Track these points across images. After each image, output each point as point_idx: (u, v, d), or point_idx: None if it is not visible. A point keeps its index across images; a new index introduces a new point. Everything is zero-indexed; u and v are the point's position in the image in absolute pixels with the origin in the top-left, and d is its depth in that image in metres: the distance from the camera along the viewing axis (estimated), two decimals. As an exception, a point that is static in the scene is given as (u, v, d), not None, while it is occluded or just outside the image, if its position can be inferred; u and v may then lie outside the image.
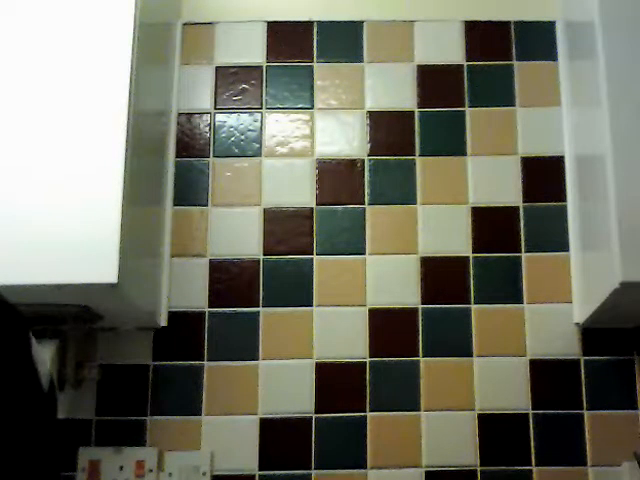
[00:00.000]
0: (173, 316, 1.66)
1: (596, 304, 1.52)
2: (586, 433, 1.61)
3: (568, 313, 1.66)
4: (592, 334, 1.65)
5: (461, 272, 1.68)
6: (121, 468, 1.58)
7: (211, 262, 1.69)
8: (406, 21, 1.81)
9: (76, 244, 1.35)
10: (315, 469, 1.60)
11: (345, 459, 1.60)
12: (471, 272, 1.68)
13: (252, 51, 1.80)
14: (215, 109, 1.77)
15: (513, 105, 1.77)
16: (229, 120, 1.77)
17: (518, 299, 1.67)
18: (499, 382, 1.64)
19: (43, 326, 1.49)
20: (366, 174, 1.73)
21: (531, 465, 1.60)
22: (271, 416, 1.62)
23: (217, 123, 1.76)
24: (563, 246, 1.69)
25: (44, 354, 1.45)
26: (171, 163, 1.73)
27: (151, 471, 1.59)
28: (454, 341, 1.65)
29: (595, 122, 1.52)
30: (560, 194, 1.72)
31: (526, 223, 1.71)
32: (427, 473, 1.60)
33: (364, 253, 1.69)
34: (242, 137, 1.76)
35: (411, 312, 1.67)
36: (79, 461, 1.59)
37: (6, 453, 0.68)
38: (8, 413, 0.69)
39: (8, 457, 0.68)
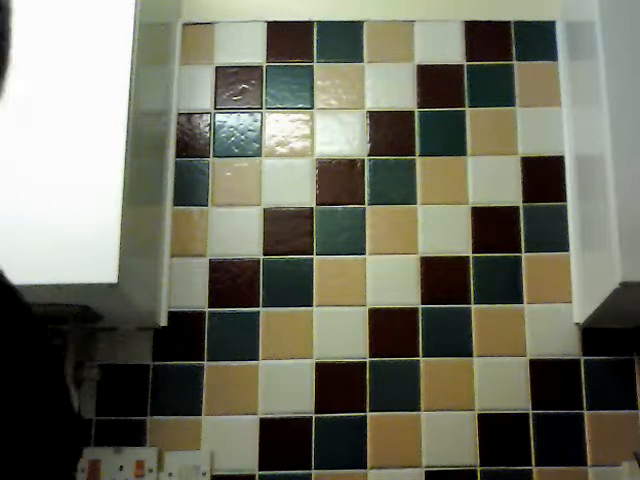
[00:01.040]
0: (173, 316, 1.66)
1: (596, 304, 1.52)
2: (586, 433, 1.61)
3: (568, 313, 1.66)
4: (592, 334, 1.65)
5: (461, 272, 1.68)
6: (121, 468, 1.58)
7: (211, 262, 1.69)
8: (406, 21, 1.81)
9: (76, 244, 1.35)
10: (315, 469, 1.60)
11: (345, 459, 1.60)
12: (471, 272, 1.68)
13: (252, 51, 1.80)
14: (215, 109, 1.77)
15: (513, 105, 1.76)
16: (229, 120, 1.77)
17: (518, 299, 1.67)
18: (499, 382, 1.63)
19: (43, 326, 1.49)
20: (366, 174, 1.73)
21: (531, 465, 1.60)
22: (271, 416, 1.62)
23: (217, 123, 1.76)
24: (563, 246, 1.69)
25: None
26: (171, 163, 1.73)
27: (151, 471, 1.58)
28: (454, 341, 1.65)
29: (595, 122, 1.52)
30: (560, 194, 1.72)
31: (526, 223, 1.70)
32: (427, 473, 1.60)
33: (364, 253, 1.69)
34: (242, 137, 1.76)
35: (411, 312, 1.67)
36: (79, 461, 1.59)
37: (41, 472, 0.69)
38: (44, 434, 0.69)
39: (42, 475, 0.69)
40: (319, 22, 1.81)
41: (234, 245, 1.70)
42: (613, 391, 1.63)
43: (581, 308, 1.63)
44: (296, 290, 1.68)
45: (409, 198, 1.72)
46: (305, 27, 1.81)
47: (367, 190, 1.73)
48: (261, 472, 1.60)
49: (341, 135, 1.76)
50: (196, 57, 1.80)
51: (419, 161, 1.74)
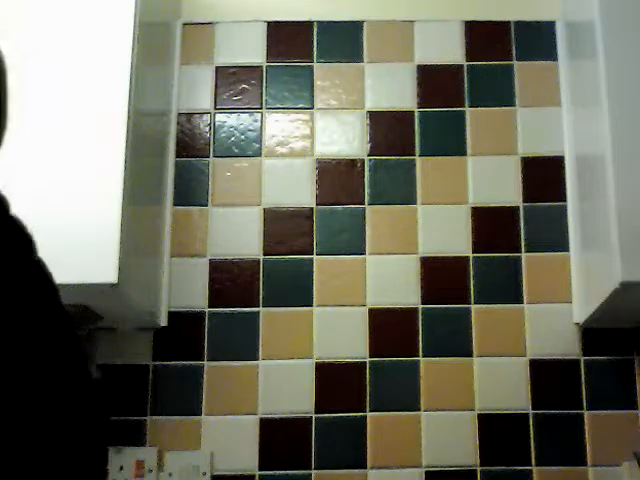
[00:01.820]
0: (173, 316, 1.66)
1: (596, 304, 1.51)
2: (586, 433, 1.61)
3: (568, 313, 1.66)
4: (592, 334, 1.65)
5: (461, 272, 1.68)
6: (121, 468, 1.58)
7: (211, 262, 1.69)
8: (406, 21, 1.81)
9: (76, 244, 1.35)
10: (315, 469, 1.60)
11: (345, 459, 1.60)
12: (471, 272, 1.68)
13: (252, 51, 1.80)
14: (215, 109, 1.77)
15: (513, 105, 1.76)
16: (229, 120, 1.77)
17: (518, 299, 1.67)
18: (499, 382, 1.63)
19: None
20: (366, 174, 1.73)
21: (531, 465, 1.60)
22: (271, 416, 1.62)
23: (217, 123, 1.76)
24: (563, 246, 1.69)
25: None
26: (171, 163, 1.73)
27: (151, 471, 1.59)
28: (454, 341, 1.65)
29: (595, 122, 1.52)
30: (560, 194, 1.72)
31: (526, 223, 1.71)
32: (427, 473, 1.60)
33: (364, 253, 1.69)
34: (242, 137, 1.76)
35: (411, 312, 1.67)
36: (79, 461, 1.59)
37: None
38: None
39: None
40: (319, 22, 1.81)
41: (234, 245, 1.70)
42: (613, 391, 1.63)
43: (581, 308, 1.63)
44: (296, 290, 1.68)
45: (409, 198, 1.72)
46: (305, 27, 1.81)
47: (367, 190, 1.73)
48: (261, 472, 1.60)
49: (341, 135, 1.76)
50: (196, 57, 1.80)
51: (419, 161, 1.74)
